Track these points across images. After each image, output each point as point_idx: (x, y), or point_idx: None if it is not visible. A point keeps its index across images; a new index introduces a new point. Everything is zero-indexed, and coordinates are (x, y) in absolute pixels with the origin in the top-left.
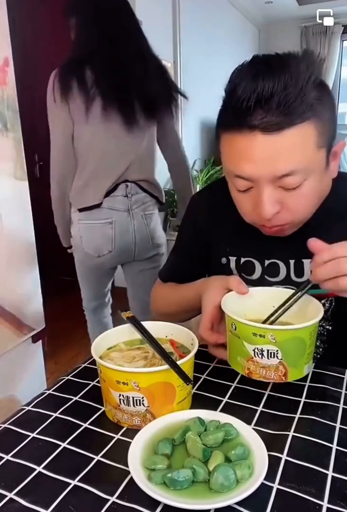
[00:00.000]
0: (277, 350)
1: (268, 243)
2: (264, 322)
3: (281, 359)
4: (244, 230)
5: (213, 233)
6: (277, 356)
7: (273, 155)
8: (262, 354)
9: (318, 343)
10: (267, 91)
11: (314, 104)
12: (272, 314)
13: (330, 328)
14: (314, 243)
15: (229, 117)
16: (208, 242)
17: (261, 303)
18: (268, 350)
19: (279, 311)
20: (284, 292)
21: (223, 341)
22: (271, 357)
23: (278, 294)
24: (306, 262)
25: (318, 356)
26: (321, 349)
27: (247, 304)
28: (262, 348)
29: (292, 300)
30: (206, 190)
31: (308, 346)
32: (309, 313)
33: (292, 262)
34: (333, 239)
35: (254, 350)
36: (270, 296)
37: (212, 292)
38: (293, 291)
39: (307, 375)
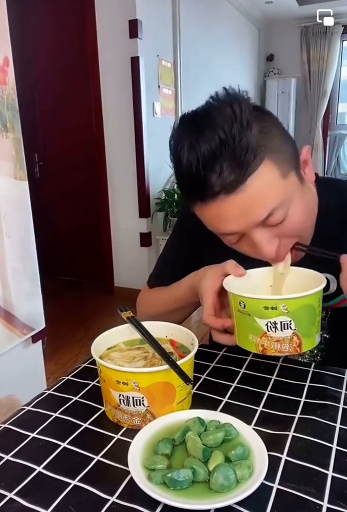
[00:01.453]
0: (290, 321)
1: (263, 260)
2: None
3: (295, 329)
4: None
5: (206, 251)
6: (290, 327)
7: (245, 209)
8: (276, 327)
9: (315, 351)
10: (208, 156)
11: (260, 141)
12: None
13: (327, 336)
14: (345, 260)
15: (187, 190)
16: (200, 259)
17: (258, 284)
18: (281, 322)
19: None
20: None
21: (230, 324)
22: (284, 328)
23: (273, 272)
24: None
25: (316, 363)
26: (318, 357)
27: (245, 286)
28: (275, 321)
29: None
30: None
31: (317, 314)
32: (311, 283)
33: None
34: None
35: (267, 324)
36: (267, 276)
37: (210, 279)
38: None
39: (307, 375)
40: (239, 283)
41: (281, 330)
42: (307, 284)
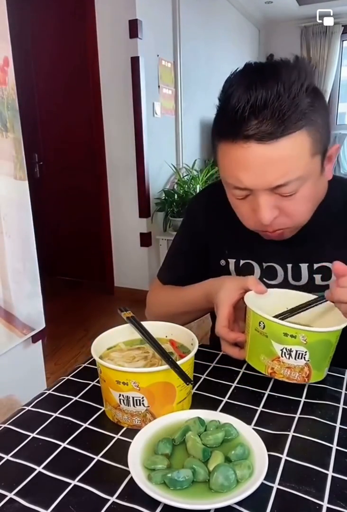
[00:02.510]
0: (305, 352)
1: (266, 247)
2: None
3: (308, 361)
4: (242, 233)
5: (211, 236)
6: (304, 358)
7: (268, 165)
8: (290, 355)
9: None
10: (260, 101)
11: (308, 112)
12: (281, 314)
13: None
14: (339, 267)
15: (224, 127)
16: (207, 245)
17: (276, 302)
18: (297, 351)
19: (287, 315)
20: (300, 296)
21: (242, 340)
22: (298, 358)
23: (294, 296)
24: (303, 266)
25: None
26: None
27: (264, 304)
28: (291, 349)
29: (304, 308)
30: (203, 193)
31: (332, 350)
32: (330, 318)
33: (289, 266)
34: (332, 241)
35: (282, 349)
36: (285, 298)
37: (229, 291)
38: (309, 297)
39: None
40: (258, 301)
41: (295, 358)
42: (329, 317)
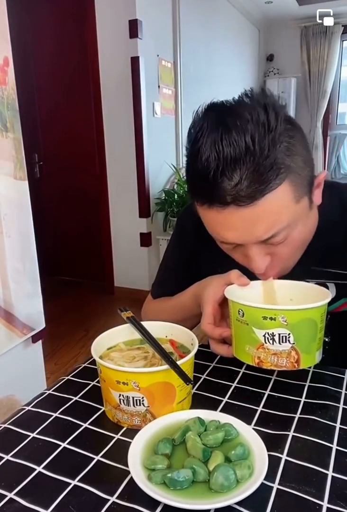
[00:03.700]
0: (289, 334)
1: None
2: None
3: (293, 343)
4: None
5: (203, 253)
6: (289, 340)
7: (251, 224)
8: (273, 339)
9: None
10: (230, 161)
11: (285, 161)
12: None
13: (327, 339)
14: None
15: (198, 189)
16: (198, 262)
17: (261, 294)
18: (279, 334)
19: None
20: (284, 283)
21: (228, 334)
22: (282, 341)
23: (278, 286)
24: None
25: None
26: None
27: (248, 296)
28: (273, 332)
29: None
30: (191, 208)
31: (319, 330)
32: (316, 299)
33: None
34: (325, 261)
35: (264, 335)
36: (270, 288)
37: (213, 287)
38: (297, 283)
39: (307, 375)
40: (242, 294)
41: (279, 343)
42: (312, 299)
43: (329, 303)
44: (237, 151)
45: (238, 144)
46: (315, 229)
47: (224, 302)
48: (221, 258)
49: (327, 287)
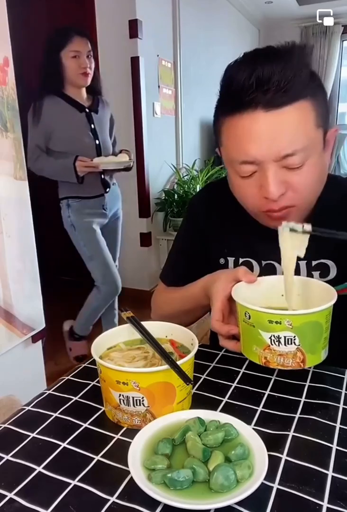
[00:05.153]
0: (294, 336)
1: (265, 245)
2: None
3: (299, 345)
4: (241, 231)
5: (212, 234)
6: (294, 343)
7: (276, 133)
8: (279, 342)
9: None
10: (266, 72)
11: (310, 85)
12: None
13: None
14: None
15: (230, 101)
16: (207, 243)
17: (269, 290)
18: (285, 337)
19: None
20: (294, 279)
21: (235, 332)
22: (288, 343)
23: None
24: (301, 263)
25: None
26: None
27: (256, 292)
28: (278, 335)
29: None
30: (204, 191)
31: (324, 331)
32: (323, 298)
33: None
34: (326, 239)
35: (270, 338)
36: (277, 285)
37: (221, 283)
38: (302, 278)
39: (307, 375)
40: (250, 290)
41: (285, 344)
42: (319, 297)
43: (331, 285)
44: (273, 66)
45: (276, 58)
46: (322, 188)
47: (232, 298)
48: (227, 235)
49: (328, 267)
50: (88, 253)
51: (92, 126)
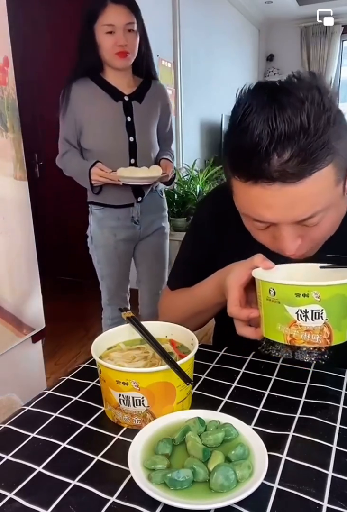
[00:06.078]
0: (322, 310)
1: (275, 255)
2: None
3: (326, 319)
4: (252, 244)
5: (221, 246)
6: (322, 317)
7: (293, 203)
8: (306, 316)
9: (323, 349)
10: (283, 137)
11: (334, 143)
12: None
13: None
14: None
15: (243, 165)
16: (214, 253)
17: (287, 277)
18: (312, 311)
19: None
20: (309, 267)
21: (256, 315)
22: (315, 318)
23: (302, 268)
24: None
25: (323, 362)
26: (326, 355)
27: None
28: (306, 309)
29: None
30: (209, 201)
31: None
32: (344, 276)
33: None
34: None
35: (297, 312)
36: (295, 271)
37: (237, 272)
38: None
39: (307, 375)
40: (266, 277)
41: (312, 319)
42: (340, 277)
43: None
44: (292, 128)
45: (292, 122)
46: (342, 217)
47: (248, 287)
48: (240, 249)
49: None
50: (100, 272)
51: (128, 118)
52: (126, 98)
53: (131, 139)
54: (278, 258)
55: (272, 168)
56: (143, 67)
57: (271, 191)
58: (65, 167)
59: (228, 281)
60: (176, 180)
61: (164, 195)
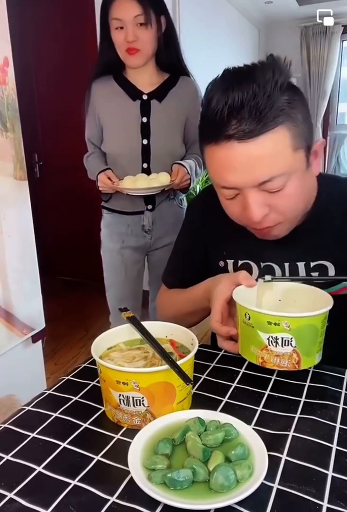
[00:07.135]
0: (291, 338)
1: (264, 246)
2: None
3: (295, 347)
4: (239, 234)
5: (210, 238)
6: (291, 344)
7: (251, 162)
8: (277, 342)
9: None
10: (237, 101)
11: (285, 108)
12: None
13: (327, 324)
14: None
15: (206, 131)
16: (206, 246)
17: (268, 297)
18: (282, 338)
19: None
20: (288, 286)
21: (234, 333)
22: (285, 345)
23: (284, 287)
24: (300, 265)
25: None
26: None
27: (253, 297)
28: (276, 336)
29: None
30: (201, 194)
31: (320, 334)
32: (318, 303)
33: (287, 264)
34: (328, 239)
35: (268, 338)
36: (277, 289)
37: (222, 286)
38: (301, 285)
39: (307, 375)
40: (249, 294)
41: (282, 346)
42: (315, 302)
43: (328, 285)
44: (244, 94)
45: (245, 90)
46: (313, 198)
47: (232, 301)
48: (227, 242)
49: (326, 268)
50: (106, 281)
51: (144, 119)
52: (145, 97)
53: (145, 141)
54: (259, 251)
55: (229, 128)
56: (166, 62)
57: (230, 150)
58: (88, 169)
59: (213, 294)
60: (193, 186)
61: (184, 205)
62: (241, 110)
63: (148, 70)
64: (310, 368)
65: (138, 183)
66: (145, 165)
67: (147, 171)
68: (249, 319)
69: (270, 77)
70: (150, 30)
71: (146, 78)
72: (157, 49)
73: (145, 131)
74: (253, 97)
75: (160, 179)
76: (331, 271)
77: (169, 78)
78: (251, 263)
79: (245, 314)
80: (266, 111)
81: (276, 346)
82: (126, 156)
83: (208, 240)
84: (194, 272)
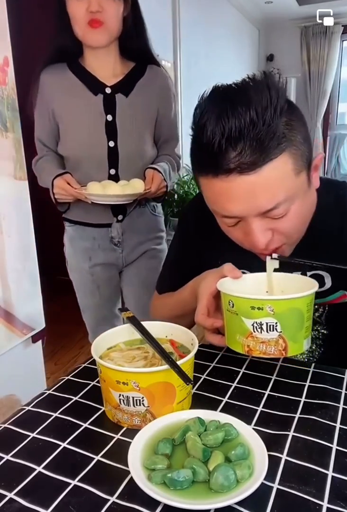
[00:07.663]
0: (276, 322)
1: (259, 257)
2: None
3: (281, 332)
4: (233, 243)
5: (204, 247)
6: (276, 329)
7: (254, 193)
8: (262, 328)
9: (313, 347)
10: (235, 132)
11: (286, 133)
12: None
13: (325, 331)
14: None
15: (203, 161)
16: (199, 254)
17: (254, 286)
18: (267, 323)
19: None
20: (275, 276)
21: (220, 325)
22: (270, 330)
23: (271, 277)
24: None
25: (315, 359)
26: (317, 353)
27: (242, 288)
28: (261, 322)
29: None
30: (194, 203)
31: (306, 319)
32: (304, 288)
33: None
34: (324, 250)
35: (253, 324)
36: (263, 281)
37: (207, 280)
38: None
39: (307, 375)
40: (235, 286)
41: (267, 331)
42: (300, 288)
43: (326, 294)
44: (242, 122)
45: (242, 116)
46: (313, 213)
47: (218, 295)
48: (222, 251)
49: (322, 278)
50: (80, 303)
51: (109, 117)
52: (108, 91)
53: (111, 143)
54: (255, 261)
55: (228, 160)
56: (132, 48)
57: (230, 183)
58: (38, 175)
59: (199, 289)
60: (176, 181)
61: (159, 211)
62: (240, 141)
63: (110, 56)
64: (297, 356)
65: (109, 190)
66: (112, 171)
67: (115, 178)
68: (233, 306)
69: (267, 101)
70: (117, 2)
71: (108, 68)
72: (123, 32)
73: (111, 131)
74: (252, 127)
75: (134, 185)
76: (328, 281)
77: (135, 67)
78: (246, 272)
79: (229, 301)
80: (267, 141)
81: (261, 332)
82: (89, 161)
83: (202, 249)
84: (188, 279)
